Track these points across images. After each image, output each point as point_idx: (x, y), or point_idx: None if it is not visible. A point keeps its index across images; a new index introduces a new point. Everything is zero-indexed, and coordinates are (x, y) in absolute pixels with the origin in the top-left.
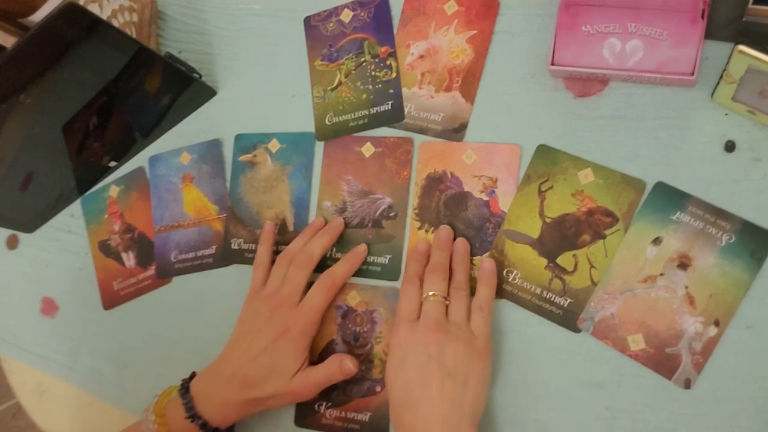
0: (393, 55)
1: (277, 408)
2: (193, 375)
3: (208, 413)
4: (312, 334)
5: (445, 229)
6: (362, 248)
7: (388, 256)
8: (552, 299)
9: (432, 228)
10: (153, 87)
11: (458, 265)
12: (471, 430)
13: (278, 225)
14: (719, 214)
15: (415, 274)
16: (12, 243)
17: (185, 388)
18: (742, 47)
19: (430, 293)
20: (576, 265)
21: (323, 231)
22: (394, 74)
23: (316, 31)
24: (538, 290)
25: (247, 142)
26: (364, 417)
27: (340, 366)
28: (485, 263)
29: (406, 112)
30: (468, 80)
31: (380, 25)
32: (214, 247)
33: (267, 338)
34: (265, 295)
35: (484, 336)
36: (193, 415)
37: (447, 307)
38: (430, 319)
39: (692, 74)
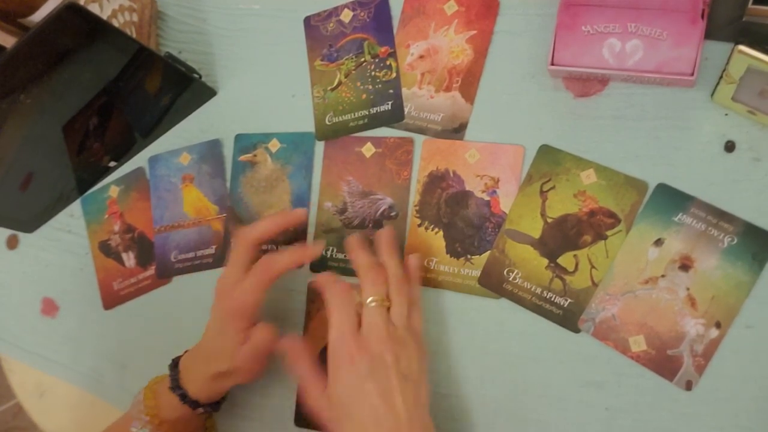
0: (393, 55)
1: (245, 383)
2: (185, 353)
3: (189, 385)
4: (248, 316)
5: (353, 236)
6: (320, 248)
7: None
8: (552, 299)
9: (432, 225)
10: (153, 87)
11: (389, 258)
12: (430, 421)
13: None
14: (721, 216)
15: (342, 285)
16: (12, 243)
17: (174, 363)
18: (742, 47)
19: (371, 299)
20: (577, 265)
21: (273, 214)
22: (394, 74)
23: (316, 31)
24: (539, 290)
25: (247, 142)
26: None
27: (255, 341)
28: (411, 259)
29: (406, 112)
30: (468, 80)
31: (380, 25)
32: (214, 247)
33: (217, 320)
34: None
35: (420, 331)
36: (175, 386)
37: (388, 308)
38: (380, 328)
39: (692, 74)
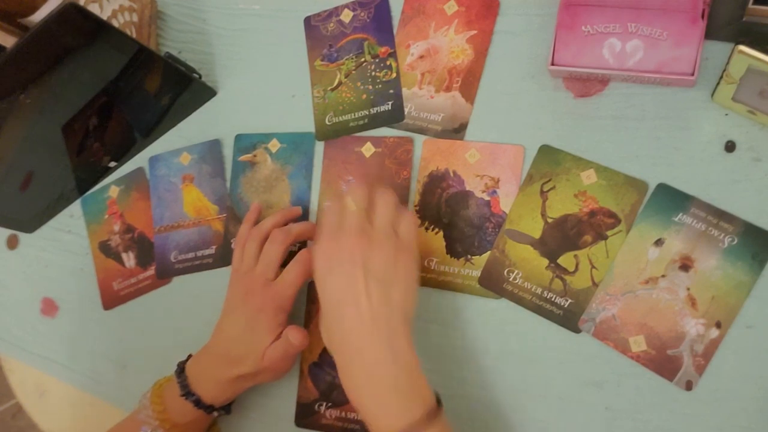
0: (393, 55)
1: (266, 383)
2: (189, 357)
3: (202, 390)
4: (287, 309)
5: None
6: None
7: None
8: (553, 299)
9: (432, 225)
10: (153, 87)
11: (380, 186)
12: (402, 325)
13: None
14: (721, 216)
15: (341, 195)
16: (12, 243)
17: (180, 368)
18: (742, 47)
19: (351, 204)
20: (577, 265)
21: (276, 211)
22: (394, 74)
23: (316, 31)
24: (539, 290)
25: (247, 142)
26: None
27: (288, 340)
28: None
29: (406, 112)
30: (468, 80)
31: (380, 25)
32: (214, 247)
33: (245, 318)
34: (240, 274)
35: (409, 238)
36: (187, 392)
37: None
38: (353, 226)
39: (692, 74)
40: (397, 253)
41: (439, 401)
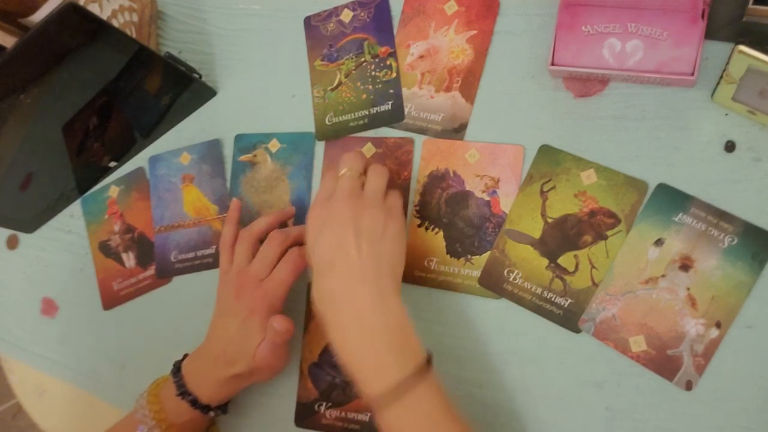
0: (393, 55)
1: (265, 382)
2: (185, 357)
3: (198, 390)
4: (278, 308)
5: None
6: None
7: None
8: (553, 299)
9: (432, 225)
10: (153, 87)
11: (373, 162)
12: (392, 280)
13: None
14: (721, 216)
15: (336, 164)
16: (12, 243)
17: (177, 368)
18: (742, 47)
19: (345, 170)
20: (577, 265)
21: (270, 212)
22: (394, 74)
23: (316, 31)
24: (539, 290)
25: (247, 142)
26: (365, 417)
27: (273, 329)
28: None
29: (406, 112)
30: (468, 80)
31: (380, 25)
32: (214, 247)
33: (238, 319)
34: (231, 275)
35: (398, 208)
36: (183, 392)
37: (363, 184)
38: (344, 191)
39: (692, 74)
40: (387, 217)
41: (430, 359)
